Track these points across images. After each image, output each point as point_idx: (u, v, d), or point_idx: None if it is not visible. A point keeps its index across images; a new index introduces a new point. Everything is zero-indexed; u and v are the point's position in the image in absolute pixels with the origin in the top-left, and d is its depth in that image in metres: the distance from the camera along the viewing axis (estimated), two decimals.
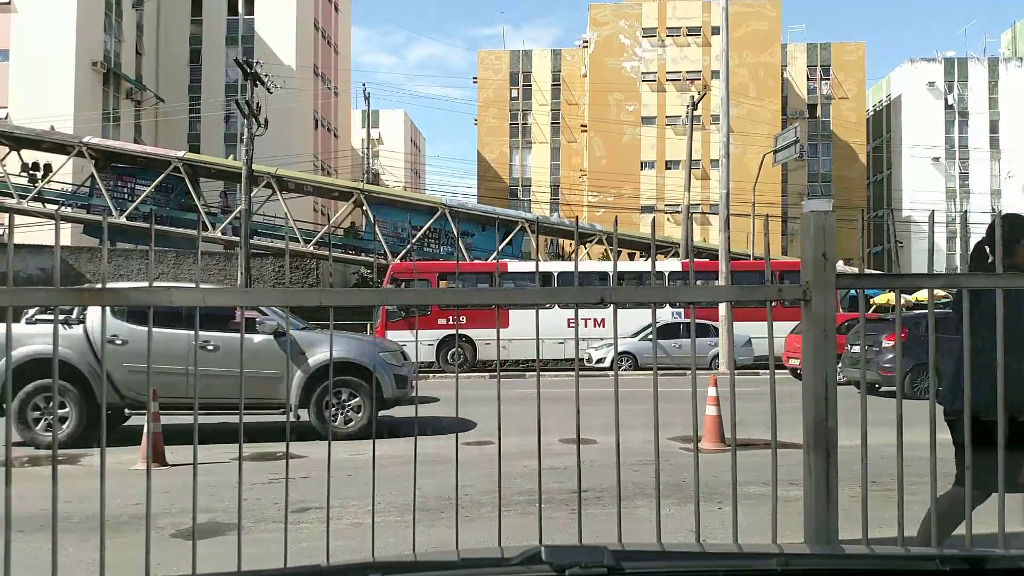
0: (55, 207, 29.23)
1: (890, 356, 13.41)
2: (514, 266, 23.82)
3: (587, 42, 59.68)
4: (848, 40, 64.89)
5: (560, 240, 40.83)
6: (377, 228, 29.86)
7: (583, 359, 20.03)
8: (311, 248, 29.42)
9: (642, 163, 56.77)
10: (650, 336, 19.14)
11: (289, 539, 2.50)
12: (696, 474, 2.49)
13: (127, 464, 7.14)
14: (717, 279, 21.50)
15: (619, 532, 2.46)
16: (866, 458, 2.38)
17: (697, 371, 2.59)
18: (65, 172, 30.92)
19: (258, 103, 23.63)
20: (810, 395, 2.22)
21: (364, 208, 30.41)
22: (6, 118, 35.90)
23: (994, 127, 60.85)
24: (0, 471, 2.15)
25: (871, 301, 27.81)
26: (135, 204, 29.18)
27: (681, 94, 53.43)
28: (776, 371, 2.62)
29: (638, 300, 2.48)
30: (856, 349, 13.85)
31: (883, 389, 13.89)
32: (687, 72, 56.93)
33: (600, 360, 20.03)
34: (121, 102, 44.83)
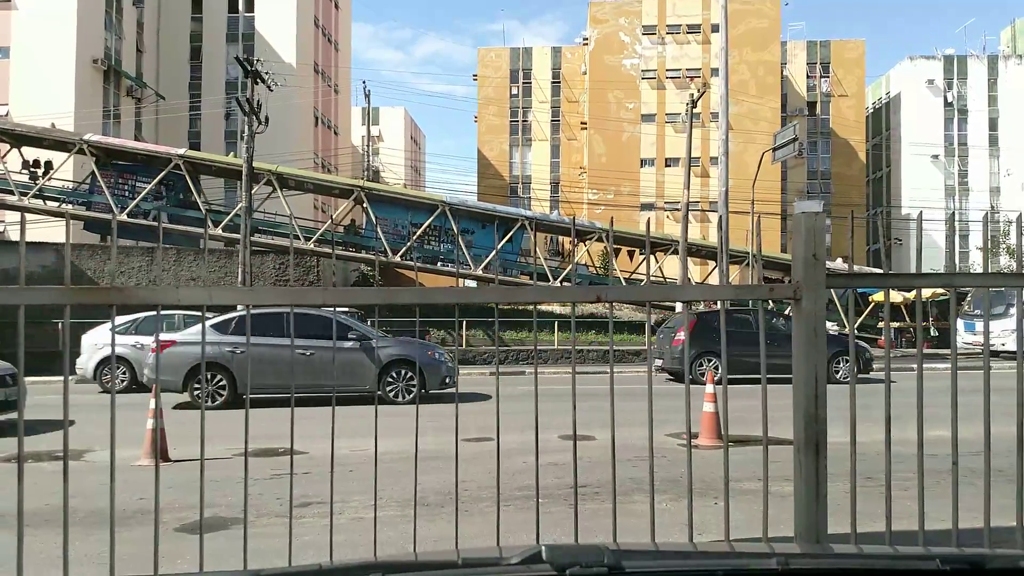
0: (56, 204, 29.26)
1: (680, 349, 16.49)
2: None
3: (587, 39, 59.67)
4: (848, 38, 64.73)
5: (560, 238, 40.82)
6: (378, 226, 29.90)
7: None
8: (312, 245, 29.46)
9: (642, 160, 56.79)
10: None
11: (292, 533, 2.55)
12: (689, 470, 2.54)
13: (130, 460, 7.20)
14: None
15: (614, 529, 2.50)
16: (855, 455, 2.43)
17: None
18: (66, 169, 30.95)
19: (258, 100, 23.65)
20: (800, 393, 2.26)
21: (364, 205, 30.43)
22: (7, 115, 35.88)
23: (993, 125, 60.84)
24: (11, 467, 2.20)
25: (869, 298, 27.85)
26: (136, 201, 29.21)
27: (681, 92, 53.44)
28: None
29: (634, 299, 2.53)
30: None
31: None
32: (687, 70, 56.93)
33: None
34: (122, 99, 44.81)
